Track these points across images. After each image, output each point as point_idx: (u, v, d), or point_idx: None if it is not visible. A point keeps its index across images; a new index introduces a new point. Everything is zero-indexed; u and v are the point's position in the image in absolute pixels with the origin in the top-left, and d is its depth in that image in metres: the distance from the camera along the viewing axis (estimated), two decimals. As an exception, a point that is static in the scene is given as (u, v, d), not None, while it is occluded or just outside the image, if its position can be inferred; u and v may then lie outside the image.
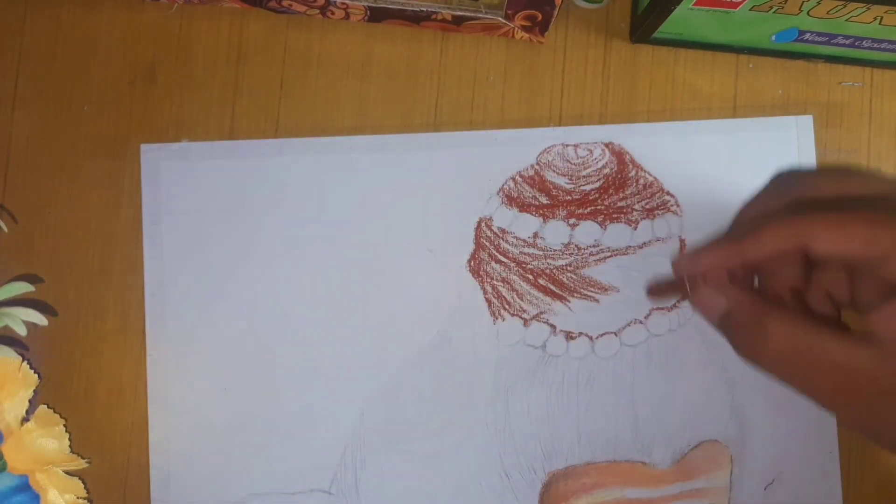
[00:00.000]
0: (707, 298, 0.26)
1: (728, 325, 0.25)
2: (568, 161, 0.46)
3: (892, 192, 0.24)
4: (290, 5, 0.45)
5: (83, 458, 0.44)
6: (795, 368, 0.24)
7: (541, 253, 0.45)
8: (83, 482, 0.44)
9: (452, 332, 0.45)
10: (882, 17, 0.40)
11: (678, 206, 0.46)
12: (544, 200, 0.46)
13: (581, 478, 0.44)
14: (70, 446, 0.44)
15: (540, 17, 0.43)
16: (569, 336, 0.45)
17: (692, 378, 0.45)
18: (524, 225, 0.45)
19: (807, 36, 0.43)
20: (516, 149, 0.46)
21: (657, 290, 0.28)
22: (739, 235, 0.25)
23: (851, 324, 0.26)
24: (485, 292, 0.45)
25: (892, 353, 0.22)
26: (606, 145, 0.46)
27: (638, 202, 0.46)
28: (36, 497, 0.43)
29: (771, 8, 0.40)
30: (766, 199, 0.26)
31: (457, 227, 0.46)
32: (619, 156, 0.46)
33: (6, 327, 0.43)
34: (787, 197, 0.25)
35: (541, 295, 0.45)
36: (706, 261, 0.26)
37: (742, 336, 0.25)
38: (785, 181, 0.26)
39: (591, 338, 0.45)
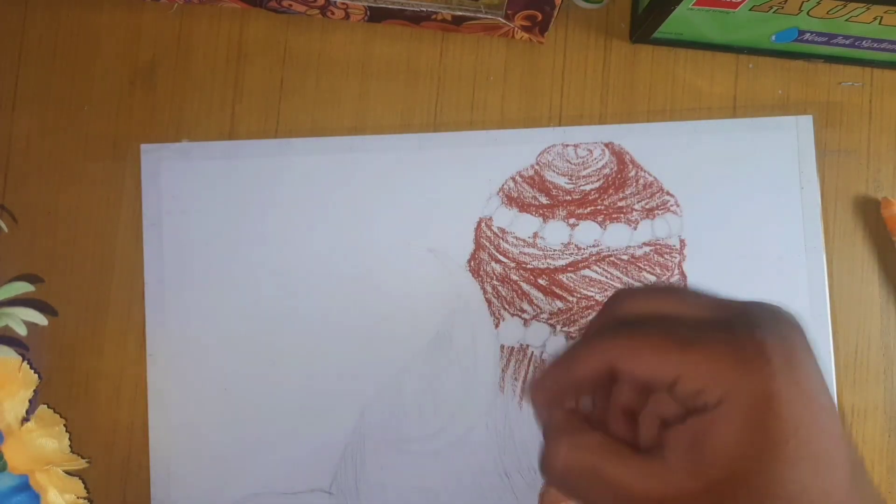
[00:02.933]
0: (536, 413, 0.28)
1: (544, 437, 0.27)
2: (568, 161, 0.46)
3: (701, 317, 0.25)
4: (290, 5, 0.45)
5: (83, 458, 0.44)
6: (580, 489, 0.25)
7: (541, 253, 0.45)
8: (83, 482, 0.44)
9: (452, 332, 0.45)
10: (882, 17, 0.40)
11: (678, 206, 0.46)
12: (544, 200, 0.46)
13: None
14: (70, 446, 0.44)
15: (540, 17, 0.43)
16: (569, 336, 0.45)
17: (692, 378, 0.45)
18: (524, 225, 0.45)
19: (807, 36, 0.43)
20: (516, 149, 0.46)
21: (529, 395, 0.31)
22: (562, 359, 0.27)
23: None
24: (485, 292, 0.45)
25: (673, 473, 0.23)
26: (606, 145, 0.46)
27: (638, 202, 0.46)
28: (36, 497, 0.43)
29: (771, 8, 0.40)
30: (597, 317, 0.28)
31: (457, 227, 0.46)
32: (619, 156, 0.46)
33: (6, 327, 0.43)
34: (610, 317, 0.27)
35: (541, 295, 0.45)
36: (539, 394, 0.28)
37: (542, 451, 0.26)
38: (615, 299, 0.28)
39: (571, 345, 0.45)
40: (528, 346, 0.45)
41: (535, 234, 0.45)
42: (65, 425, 0.44)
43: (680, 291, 0.27)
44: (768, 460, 0.22)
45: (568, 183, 0.46)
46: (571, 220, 0.45)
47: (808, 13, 0.40)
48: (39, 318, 0.44)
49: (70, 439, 0.44)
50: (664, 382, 0.24)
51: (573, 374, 0.26)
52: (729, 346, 0.23)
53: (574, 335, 0.45)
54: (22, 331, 0.44)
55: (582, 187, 0.46)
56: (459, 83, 0.47)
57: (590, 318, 0.45)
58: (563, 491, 0.26)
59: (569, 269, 0.45)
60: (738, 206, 0.46)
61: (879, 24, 0.41)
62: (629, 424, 0.27)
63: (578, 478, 0.25)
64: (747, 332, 0.24)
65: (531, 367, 0.45)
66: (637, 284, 0.28)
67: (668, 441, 0.24)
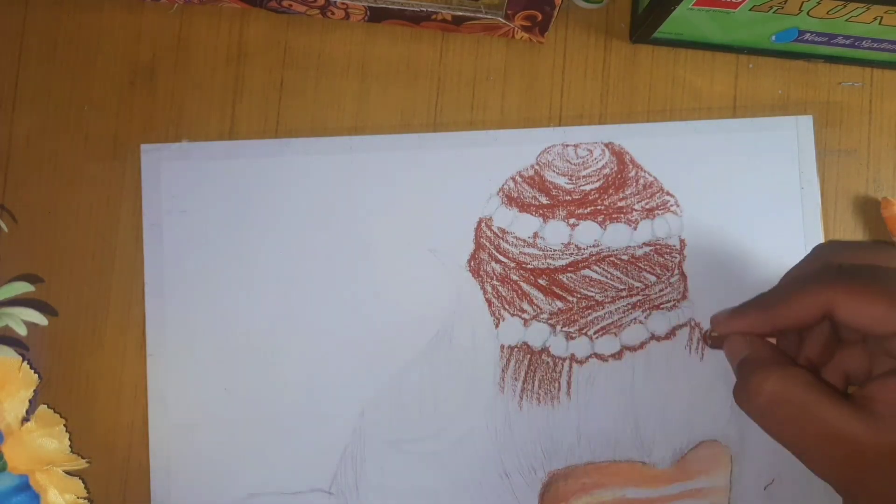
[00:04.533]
0: (733, 344, 0.27)
1: (741, 370, 0.26)
2: (568, 161, 0.46)
3: None
4: (290, 5, 0.45)
5: (83, 458, 0.44)
6: (783, 422, 0.25)
7: (541, 253, 0.45)
8: (83, 482, 0.44)
9: (452, 332, 0.45)
10: (882, 17, 0.40)
11: (678, 206, 0.46)
12: (544, 200, 0.46)
13: (581, 478, 0.44)
14: (70, 446, 0.44)
15: (540, 17, 0.43)
16: (569, 336, 0.45)
17: (692, 378, 0.45)
18: (524, 225, 0.45)
19: (807, 36, 0.43)
20: (516, 149, 0.46)
21: (712, 341, 0.30)
22: (771, 300, 0.26)
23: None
24: (485, 292, 0.45)
25: (884, 424, 0.23)
26: (606, 145, 0.46)
27: (638, 202, 0.46)
28: (36, 497, 0.43)
29: (771, 8, 0.40)
30: (805, 264, 0.28)
31: (457, 227, 0.46)
32: (619, 156, 0.46)
33: (6, 327, 0.43)
34: (823, 261, 0.26)
35: (541, 295, 0.45)
36: (740, 323, 0.27)
37: (744, 381, 0.26)
38: (824, 249, 0.27)
39: (591, 338, 0.45)
40: (528, 345, 0.45)
41: (535, 234, 0.45)
42: (65, 425, 0.44)
43: (889, 248, 0.26)
44: None
45: (568, 183, 0.46)
46: (571, 220, 0.45)
47: (808, 13, 0.40)
48: (39, 318, 0.44)
49: (70, 439, 0.44)
50: (886, 332, 0.23)
51: (787, 312, 0.25)
52: None
53: (574, 335, 0.45)
54: (22, 331, 0.44)
55: (582, 187, 0.46)
56: (459, 83, 0.47)
57: (607, 319, 0.45)
58: (762, 423, 0.25)
59: (569, 269, 0.45)
60: (738, 206, 0.46)
61: (879, 24, 0.41)
62: (840, 381, 0.26)
63: (784, 411, 0.24)
64: None
65: (531, 367, 0.45)
66: (844, 241, 0.28)
67: (877, 393, 0.24)
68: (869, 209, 0.46)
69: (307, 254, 0.46)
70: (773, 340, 0.28)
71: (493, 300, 0.45)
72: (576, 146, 0.46)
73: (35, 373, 0.44)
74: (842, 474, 0.24)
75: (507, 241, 0.45)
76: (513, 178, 0.46)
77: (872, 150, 0.47)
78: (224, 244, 0.46)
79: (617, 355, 0.45)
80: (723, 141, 0.46)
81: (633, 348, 0.45)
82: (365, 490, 0.45)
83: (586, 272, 0.45)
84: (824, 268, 0.26)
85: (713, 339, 0.30)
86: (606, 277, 0.45)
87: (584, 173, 0.46)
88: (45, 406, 0.44)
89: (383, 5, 0.44)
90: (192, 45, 0.47)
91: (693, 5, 0.40)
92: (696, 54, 0.47)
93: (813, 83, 0.47)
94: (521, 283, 0.45)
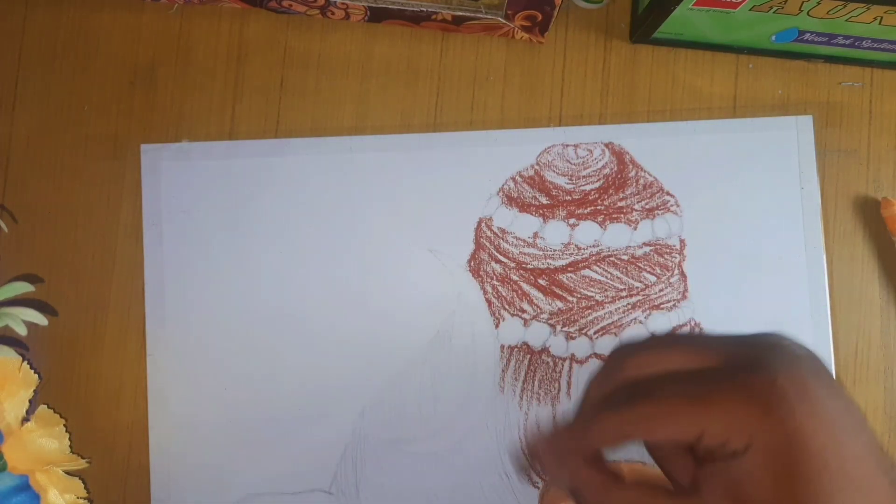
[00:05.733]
0: (555, 475, 0.28)
1: (577, 499, 0.27)
2: (568, 161, 0.46)
3: (711, 365, 0.25)
4: (290, 5, 0.45)
5: (83, 458, 0.44)
6: None
7: (541, 253, 0.45)
8: (83, 482, 0.44)
9: (452, 332, 0.45)
10: (882, 17, 0.40)
11: (678, 206, 0.46)
12: (544, 200, 0.46)
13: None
14: (70, 446, 0.44)
15: (540, 17, 0.43)
16: (569, 336, 0.45)
17: (692, 378, 0.45)
18: (524, 225, 0.45)
19: (807, 36, 0.43)
20: (516, 149, 0.46)
21: (522, 470, 0.30)
22: (576, 427, 0.27)
23: None
24: (485, 292, 0.45)
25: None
26: (606, 145, 0.46)
27: (638, 202, 0.46)
28: (36, 497, 0.43)
29: (771, 8, 0.40)
30: (603, 378, 0.28)
31: (457, 227, 0.46)
32: (619, 156, 0.46)
33: (6, 327, 0.43)
34: (619, 379, 0.27)
35: (541, 295, 0.45)
36: (551, 448, 0.28)
37: None
38: (619, 356, 0.28)
39: (591, 338, 0.45)
40: (528, 345, 0.45)
41: (535, 234, 0.45)
42: (65, 425, 0.44)
43: (681, 341, 0.27)
44: (805, 497, 0.22)
45: (568, 183, 0.46)
46: (571, 220, 0.45)
47: (808, 13, 0.40)
48: (39, 318, 0.44)
49: (70, 439, 0.44)
50: (689, 441, 0.24)
51: (590, 444, 0.26)
52: (742, 393, 0.23)
53: (574, 335, 0.45)
54: (22, 331, 0.44)
55: (582, 187, 0.46)
56: (459, 83, 0.47)
57: (607, 319, 0.45)
58: None
59: (569, 269, 0.45)
60: (738, 206, 0.46)
61: (879, 24, 0.41)
62: (663, 459, 0.27)
63: None
64: (757, 375, 0.24)
65: (531, 367, 0.45)
66: (637, 337, 0.28)
67: (704, 481, 0.25)
68: (869, 209, 0.46)
69: (307, 254, 0.46)
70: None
71: (493, 300, 0.45)
72: (576, 146, 0.46)
73: (35, 373, 0.44)
74: None
75: (507, 241, 0.45)
76: (513, 178, 0.46)
77: (872, 150, 0.47)
78: (224, 244, 0.46)
79: (617, 355, 0.45)
80: (723, 141, 0.46)
81: (633, 348, 0.45)
82: (365, 490, 0.45)
83: (586, 272, 0.45)
84: (617, 391, 0.27)
85: (521, 469, 0.30)
86: (606, 277, 0.45)
87: (584, 173, 0.46)
88: (45, 406, 0.44)
89: (383, 5, 0.44)
90: (192, 45, 0.47)
91: (693, 5, 0.40)
92: (696, 54, 0.47)
93: (813, 83, 0.47)
94: (521, 283, 0.45)
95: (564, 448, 0.27)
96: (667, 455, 0.27)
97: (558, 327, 0.45)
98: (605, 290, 0.45)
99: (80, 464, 0.44)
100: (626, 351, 0.28)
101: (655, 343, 0.28)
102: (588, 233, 0.45)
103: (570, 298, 0.45)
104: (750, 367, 0.24)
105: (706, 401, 0.24)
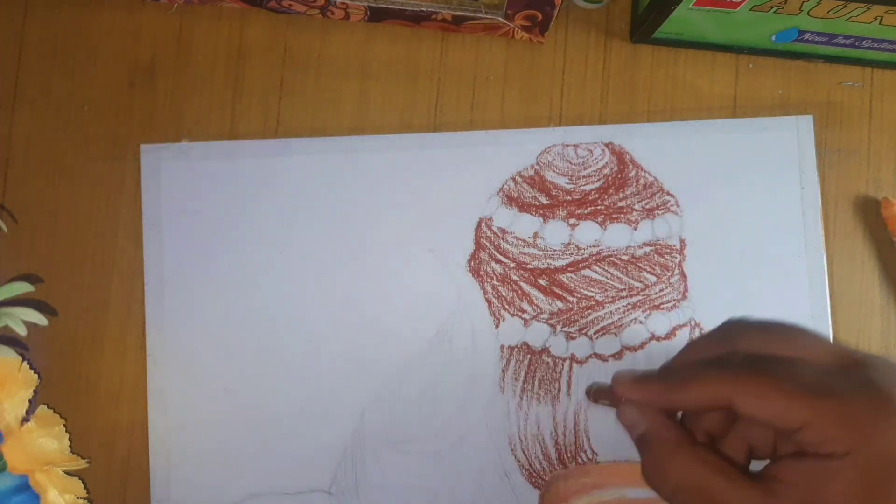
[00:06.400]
0: (630, 417, 0.27)
1: (642, 447, 0.27)
2: (568, 161, 0.46)
3: (826, 364, 0.25)
4: (290, 5, 0.45)
5: (83, 458, 0.44)
6: (685, 500, 0.25)
7: (541, 253, 0.45)
8: (83, 482, 0.44)
9: (452, 332, 0.45)
10: (882, 17, 0.40)
11: (678, 206, 0.46)
12: (544, 200, 0.46)
13: (581, 478, 0.44)
14: (70, 446, 0.44)
15: (540, 17, 0.43)
16: (569, 336, 0.45)
17: (692, 378, 0.45)
18: (524, 225, 0.45)
19: (807, 36, 0.43)
20: (516, 149, 0.46)
21: (595, 395, 0.31)
22: (673, 379, 0.27)
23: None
24: (485, 292, 0.45)
25: (785, 501, 0.24)
26: (606, 145, 0.46)
27: (638, 202, 0.46)
28: (36, 497, 0.43)
29: (771, 8, 0.40)
30: (708, 344, 0.28)
31: (457, 227, 0.46)
32: (619, 156, 0.46)
33: (6, 327, 0.43)
34: (727, 347, 0.27)
35: (541, 295, 0.45)
36: (638, 394, 0.27)
37: (650, 462, 0.26)
38: (730, 330, 0.27)
39: (591, 338, 0.45)
40: (528, 345, 0.45)
41: (536, 234, 0.45)
42: (65, 425, 0.44)
43: (795, 331, 0.26)
44: None
45: (568, 183, 0.46)
46: (571, 220, 0.45)
47: (808, 13, 0.40)
48: (39, 318, 0.44)
49: (70, 439, 0.44)
50: (788, 428, 0.24)
51: (683, 400, 0.26)
52: (864, 400, 0.23)
53: (574, 335, 0.45)
54: (22, 331, 0.44)
55: (582, 187, 0.46)
56: (459, 83, 0.47)
57: (607, 319, 0.45)
58: (670, 502, 0.26)
59: (569, 269, 0.45)
60: (738, 206, 0.46)
61: (879, 24, 0.41)
62: (741, 452, 0.27)
63: (691, 493, 0.25)
64: (882, 388, 0.23)
65: (531, 367, 0.45)
66: (753, 319, 0.28)
67: (781, 474, 0.24)
68: (869, 209, 0.46)
69: (307, 254, 0.46)
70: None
71: (493, 300, 0.45)
72: (576, 146, 0.46)
73: (35, 373, 0.44)
74: None
75: (507, 241, 0.45)
76: (513, 178, 0.46)
77: (872, 150, 0.47)
78: (224, 244, 0.46)
79: (617, 355, 0.45)
80: (723, 141, 0.46)
81: (633, 348, 0.45)
82: (365, 490, 0.45)
83: (586, 272, 0.45)
84: (727, 356, 0.26)
85: (595, 394, 0.30)
86: (606, 277, 0.45)
87: (584, 173, 0.46)
88: (45, 406, 0.44)
89: (383, 5, 0.44)
90: (192, 45, 0.47)
91: (693, 5, 0.40)
92: (696, 54, 0.47)
93: (813, 83, 0.47)
94: (522, 283, 0.45)
95: (652, 397, 0.26)
96: (740, 444, 0.26)
97: (558, 327, 0.45)
98: (606, 290, 0.45)
99: (80, 464, 0.44)
100: (738, 325, 0.27)
101: (769, 325, 0.27)
102: (588, 233, 0.45)
103: (570, 298, 0.45)
104: (878, 379, 0.24)
105: (824, 394, 0.23)
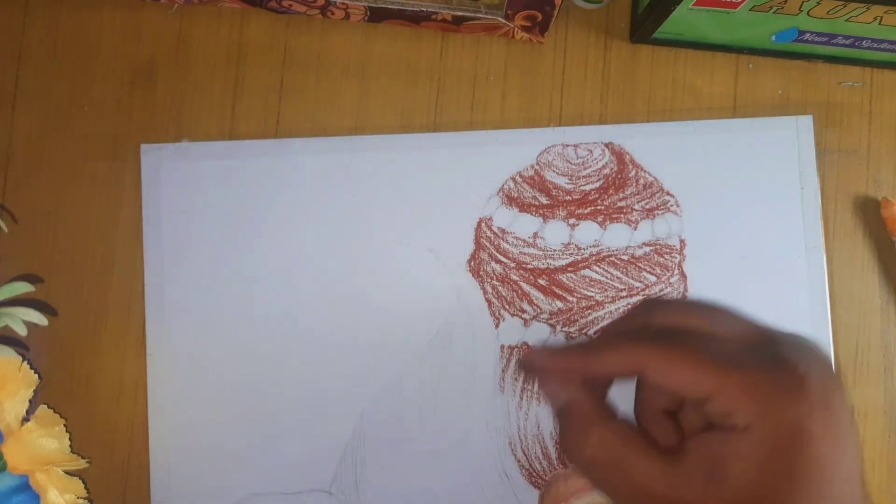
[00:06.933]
0: (551, 389, 0.28)
1: (561, 419, 0.27)
2: (568, 161, 0.46)
3: (737, 339, 0.25)
4: (290, 5, 0.45)
5: (83, 458, 0.44)
6: (604, 477, 0.26)
7: (541, 253, 0.45)
8: (83, 482, 0.44)
9: (452, 332, 0.45)
10: (882, 17, 0.40)
11: (678, 206, 0.46)
12: (544, 200, 0.46)
13: (581, 478, 0.44)
14: (70, 446, 0.44)
15: (540, 17, 0.43)
16: (569, 336, 0.45)
17: (692, 378, 0.45)
18: (524, 225, 0.45)
19: (807, 36, 0.43)
20: (516, 149, 0.46)
21: (521, 367, 0.31)
22: (589, 348, 0.27)
23: None
24: (485, 292, 0.45)
25: (695, 481, 0.24)
26: (606, 145, 0.46)
27: (638, 202, 0.46)
28: (36, 497, 0.43)
29: (771, 8, 0.40)
30: (626, 319, 0.28)
31: (457, 227, 0.46)
32: (619, 156, 0.46)
33: (6, 327, 0.43)
34: (644, 321, 0.27)
35: (541, 295, 0.45)
36: (555, 362, 0.27)
37: (567, 433, 0.27)
38: (648, 305, 0.28)
39: (590, 338, 0.45)
40: (528, 345, 0.45)
41: (535, 234, 0.45)
42: (65, 425, 0.44)
43: (711, 309, 0.27)
44: (787, 494, 0.22)
45: (568, 183, 0.46)
46: (571, 221, 0.45)
47: (808, 13, 0.40)
48: (39, 318, 0.44)
49: (70, 439, 0.44)
50: (694, 397, 0.24)
51: (598, 367, 0.26)
52: (769, 373, 0.23)
53: (574, 335, 0.45)
54: (22, 331, 0.44)
55: (582, 187, 0.46)
56: (459, 83, 0.47)
57: (607, 319, 0.45)
58: (585, 476, 0.26)
59: (569, 269, 0.45)
60: (738, 206, 0.46)
61: (879, 24, 0.41)
62: (648, 419, 0.27)
63: (603, 466, 0.25)
64: (790, 363, 0.24)
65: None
66: (665, 295, 0.29)
67: (689, 447, 0.25)
68: (869, 209, 0.46)
69: (307, 254, 0.46)
70: None
71: (493, 300, 0.45)
72: (576, 146, 0.46)
73: (35, 373, 0.44)
74: None
75: (507, 241, 0.45)
76: (513, 179, 0.46)
77: (872, 150, 0.47)
78: (224, 244, 0.46)
79: (617, 355, 0.45)
80: (723, 141, 0.46)
81: (633, 348, 0.45)
82: (365, 490, 0.45)
83: (586, 272, 0.45)
84: (643, 328, 0.27)
85: (521, 365, 0.31)
86: (606, 277, 0.45)
87: (584, 173, 0.46)
88: (45, 406, 0.44)
89: (383, 5, 0.44)
90: (192, 45, 0.47)
91: (693, 5, 0.40)
92: (696, 54, 0.47)
93: (813, 83, 0.47)
94: (521, 283, 0.45)
95: (570, 365, 0.27)
96: (656, 413, 0.27)
97: (558, 327, 0.45)
98: (605, 290, 0.45)
99: (80, 464, 0.44)
100: (654, 302, 0.28)
101: (684, 302, 0.28)
102: (588, 233, 0.45)
103: (570, 298, 0.45)
104: (783, 354, 0.24)
105: (729, 366, 0.24)
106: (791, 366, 0.23)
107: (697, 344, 0.25)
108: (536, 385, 0.28)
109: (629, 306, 0.45)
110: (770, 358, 0.24)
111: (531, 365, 0.28)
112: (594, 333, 0.29)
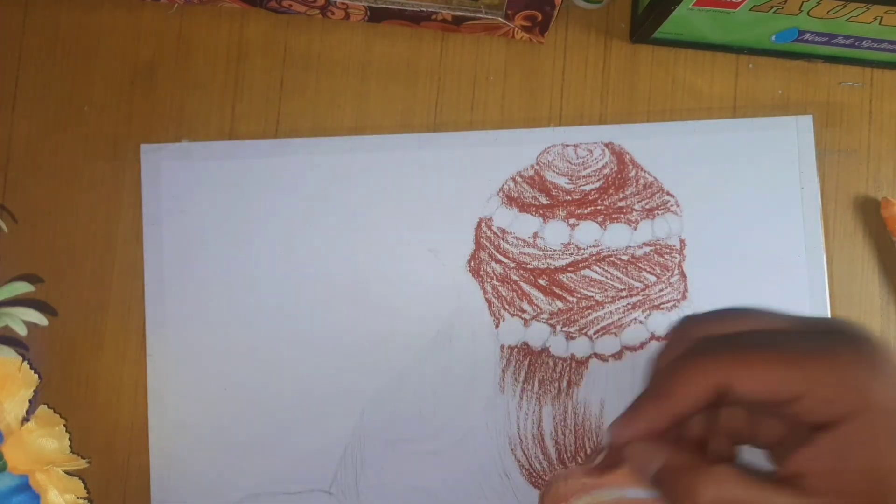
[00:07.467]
0: (638, 455, 0.26)
1: (662, 482, 0.25)
2: (568, 161, 0.46)
3: (790, 327, 0.24)
4: (290, 5, 0.45)
5: (83, 458, 0.44)
6: None
7: (541, 253, 0.45)
8: (83, 482, 0.44)
9: (452, 332, 0.45)
10: (882, 17, 0.40)
11: (678, 206, 0.46)
12: (544, 200, 0.46)
13: (581, 478, 0.44)
14: (70, 446, 0.44)
15: (540, 17, 0.43)
16: (569, 336, 0.45)
17: (692, 378, 0.45)
18: (524, 225, 0.45)
19: (807, 36, 0.43)
20: (516, 149, 0.46)
21: (604, 466, 0.28)
22: (660, 391, 0.25)
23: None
24: (485, 292, 0.45)
25: (818, 493, 0.23)
26: (606, 145, 0.46)
27: (638, 202, 0.46)
28: (36, 497, 0.43)
29: (771, 8, 0.40)
30: (672, 347, 0.26)
31: (457, 227, 0.46)
32: (619, 156, 0.46)
33: (6, 327, 0.43)
34: (691, 339, 0.25)
35: (541, 295, 0.45)
36: (639, 424, 0.25)
37: (675, 491, 0.25)
38: (684, 326, 0.26)
39: (590, 338, 0.45)
40: (528, 345, 0.45)
41: (535, 234, 0.45)
42: (65, 425, 0.44)
43: (748, 310, 0.25)
44: None
45: (568, 183, 0.46)
46: (571, 220, 0.45)
47: (808, 13, 0.40)
48: (39, 318, 0.44)
49: (70, 439, 0.44)
50: (786, 398, 0.23)
51: (675, 404, 0.24)
52: (852, 357, 0.22)
53: (574, 335, 0.45)
54: (22, 331, 0.44)
55: (582, 187, 0.46)
56: (459, 83, 0.47)
57: (607, 319, 0.45)
58: None
59: (569, 269, 0.45)
60: (738, 206, 0.46)
61: (879, 24, 0.41)
62: (727, 444, 0.26)
63: None
64: (868, 340, 0.23)
65: (531, 367, 0.45)
66: (703, 311, 0.27)
67: (800, 468, 0.23)
68: (869, 209, 0.46)
69: (307, 254, 0.46)
70: None
71: (493, 300, 0.45)
72: (576, 146, 0.46)
73: (35, 373, 0.44)
74: None
75: (507, 241, 0.45)
76: (513, 178, 0.46)
77: (872, 150, 0.47)
78: (224, 244, 0.46)
79: (617, 355, 0.45)
80: (723, 141, 0.46)
81: (633, 348, 0.45)
82: (365, 490, 0.45)
83: (586, 272, 0.45)
84: (701, 343, 0.25)
85: (607, 457, 0.28)
86: (606, 277, 0.45)
87: (584, 173, 0.46)
88: (45, 406, 0.44)
89: (383, 5, 0.44)
90: (192, 45, 0.47)
91: (693, 5, 0.40)
92: (696, 54, 0.47)
93: (813, 83, 0.47)
94: (521, 283, 0.45)
95: (646, 417, 0.25)
96: (737, 441, 0.25)
97: (558, 327, 0.45)
98: (605, 290, 0.45)
99: (80, 464, 0.44)
100: (692, 319, 0.26)
101: (721, 311, 0.26)
102: (588, 233, 0.45)
103: (570, 298, 0.45)
104: (844, 336, 0.23)
105: (813, 355, 0.22)
106: (857, 346, 0.23)
107: (768, 341, 0.23)
108: (621, 460, 0.26)
109: (629, 307, 0.45)
110: (837, 341, 0.23)
111: (617, 446, 0.26)
112: (649, 379, 0.27)
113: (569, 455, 0.45)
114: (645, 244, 0.45)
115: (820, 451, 0.23)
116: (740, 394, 0.23)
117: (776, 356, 0.23)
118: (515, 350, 0.45)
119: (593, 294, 0.45)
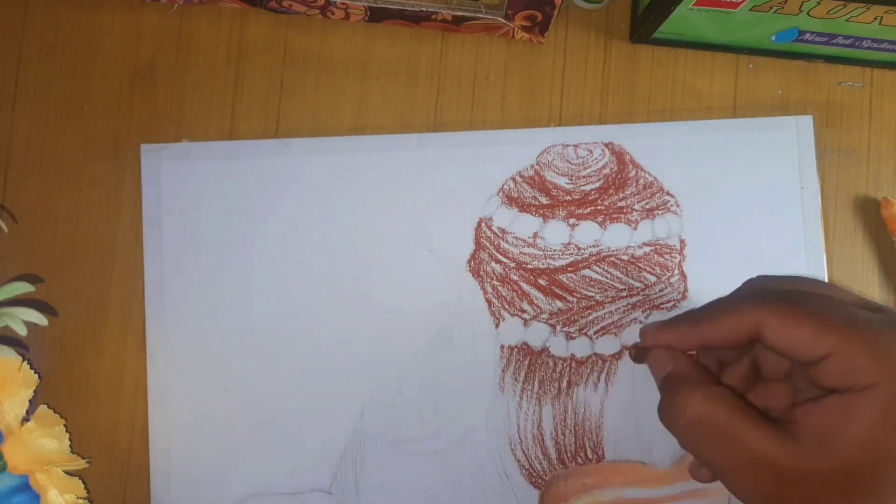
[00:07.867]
0: (657, 358, 0.27)
1: (664, 387, 0.26)
2: (568, 161, 0.46)
3: (851, 300, 0.25)
4: (290, 5, 0.45)
5: (83, 458, 0.44)
6: (706, 444, 0.24)
7: (541, 253, 0.45)
8: (83, 482, 0.44)
9: (452, 332, 0.45)
10: (882, 17, 0.40)
11: (678, 206, 0.46)
12: (544, 200, 0.46)
13: (581, 478, 0.44)
14: (70, 446, 0.44)
15: (540, 17, 0.43)
16: (569, 336, 0.45)
17: (692, 378, 0.45)
18: (524, 225, 0.45)
19: (807, 36, 0.43)
20: (516, 149, 0.46)
21: (636, 356, 0.30)
22: (703, 316, 0.26)
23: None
24: (485, 292, 0.45)
25: (805, 448, 0.23)
26: (606, 145, 0.46)
27: (638, 202, 0.46)
28: (36, 497, 0.43)
29: (771, 8, 0.40)
30: (736, 291, 0.28)
31: (457, 227, 0.46)
32: (619, 156, 0.46)
33: (6, 327, 0.43)
34: (755, 288, 0.27)
35: (541, 295, 0.45)
36: (668, 334, 0.27)
37: (669, 397, 0.25)
38: (755, 279, 0.28)
39: (591, 338, 0.45)
40: (528, 345, 0.45)
41: (535, 234, 0.45)
42: (65, 425, 0.44)
43: (819, 281, 0.26)
44: None
45: (568, 183, 0.46)
46: (571, 220, 0.45)
47: (808, 13, 0.40)
48: (39, 318, 0.44)
49: (70, 439, 0.44)
50: (813, 356, 0.23)
51: (713, 332, 0.25)
52: (891, 333, 0.23)
53: (574, 335, 0.45)
54: (22, 331, 0.44)
55: (582, 187, 0.46)
56: (459, 83, 0.47)
57: (607, 319, 0.45)
58: (684, 444, 0.25)
59: (569, 269, 0.45)
60: (738, 206, 0.46)
61: (879, 24, 0.41)
62: (752, 389, 0.26)
63: (707, 433, 0.24)
64: None
65: (531, 367, 0.45)
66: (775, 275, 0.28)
67: (800, 418, 0.24)
68: (869, 209, 0.46)
69: (307, 254, 0.46)
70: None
71: (493, 300, 0.45)
72: (576, 146, 0.46)
73: (35, 373, 0.44)
74: (762, 498, 0.24)
75: (507, 241, 0.45)
76: (513, 179, 0.46)
77: (872, 150, 0.47)
78: (224, 244, 0.46)
79: (617, 355, 0.45)
80: (723, 141, 0.46)
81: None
82: (365, 490, 0.45)
83: (586, 272, 0.45)
84: (756, 291, 0.26)
85: (636, 352, 0.30)
86: (606, 277, 0.45)
87: (584, 173, 0.46)
88: (45, 406, 0.44)
89: (383, 5, 0.44)
90: (192, 45, 0.47)
91: (693, 5, 0.40)
92: (696, 54, 0.47)
93: (813, 83, 0.47)
94: (521, 283, 0.45)
95: (682, 333, 0.26)
96: (761, 381, 0.25)
97: (558, 327, 0.45)
98: (605, 290, 0.45)
99: (80, 464, 0.44)
100: (761, 278, 0.27)
101: (793, 276, 0.27)
102: (588, 233, 0.45)
103: (570, 298, 0.45)
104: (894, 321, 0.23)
105: (855, 325, 0.23)
106: None
107: (818, 302, 0.24)
108: (647, 362, 0.28)
109: (629, 307, 0.45)
110: (883, 322, 0.23)
111: (641, 345, 0.27)
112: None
113: (569, 455, 0.45)
114: (645, 244, 0.45)
115: (826, 408, 0.23)
116: (770, 342, 0.24)
117: (816, 315, 0.23)
118: (515, 350, 0.45)
119: (593, 294, 0.45)
